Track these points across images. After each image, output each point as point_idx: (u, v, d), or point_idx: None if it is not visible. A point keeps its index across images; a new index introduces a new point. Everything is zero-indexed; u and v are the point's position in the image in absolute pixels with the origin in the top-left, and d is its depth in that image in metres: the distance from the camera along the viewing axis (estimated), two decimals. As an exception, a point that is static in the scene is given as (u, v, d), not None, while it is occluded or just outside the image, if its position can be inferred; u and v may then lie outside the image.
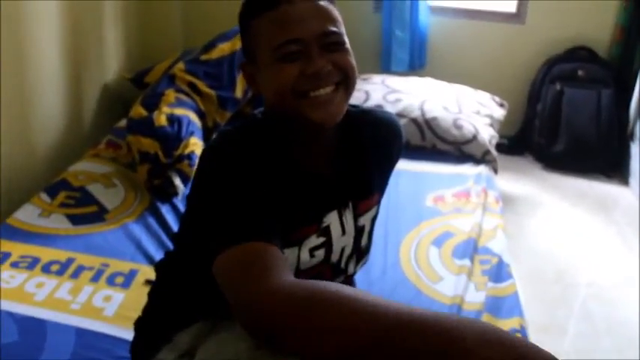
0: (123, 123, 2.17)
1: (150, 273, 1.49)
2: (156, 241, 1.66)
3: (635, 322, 1.86)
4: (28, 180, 1.98)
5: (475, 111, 2.43)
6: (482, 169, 2.20)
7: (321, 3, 0.84)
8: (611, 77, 2.77)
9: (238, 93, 2.13)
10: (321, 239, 0.93)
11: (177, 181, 1.84)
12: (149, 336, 1.03)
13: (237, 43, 2.16)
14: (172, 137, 1.84)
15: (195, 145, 1.89)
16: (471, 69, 2.93)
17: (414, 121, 2.32)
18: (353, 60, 0.86)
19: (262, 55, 0.84)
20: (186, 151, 1.85)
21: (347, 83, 0.85)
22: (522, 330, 1.39)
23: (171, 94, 1.99)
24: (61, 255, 1.56)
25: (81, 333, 1.29)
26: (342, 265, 0.99)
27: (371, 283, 1.53)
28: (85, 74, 2.35)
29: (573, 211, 2.52)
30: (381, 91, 2.47)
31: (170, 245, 1.63)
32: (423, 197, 1.99)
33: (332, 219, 0.94)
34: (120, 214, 1.77)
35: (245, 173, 0.80)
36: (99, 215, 1.75)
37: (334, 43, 0.83)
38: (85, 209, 1.78)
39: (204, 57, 2.15)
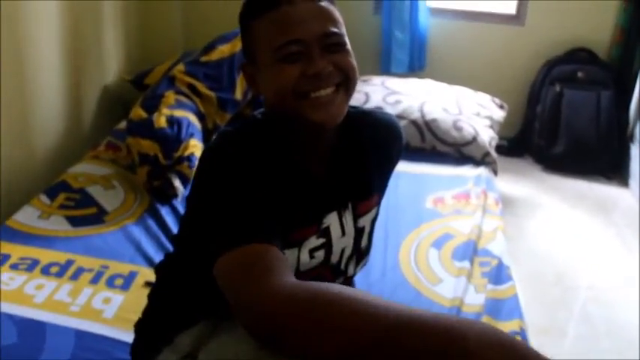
0: (123, 125, 2.17)
1: (149, 275, 1.50)
2: (155, 243, 1.66)
3: (635, 324, 1.86)
4: (28, 181, 1.98)
5: (475, 113, 2.43)
6: (482, 171, 2.20)
7: (322, 4, 0.84)
8: (611, 79, 2.77)
9: (238, 95, 2.13)
10: (321, 240, 0.93)
11: (177, 183, 1.84)
12: (149, 338, 1.03)
13: (236, 45, 2.16)
14: (172, 139, 1.83)
15: (195, 146, 1.89)
16: (471, 71, 2.93)
17: (414, 122, 2.32)
18: (354, 61, 0.86)
19: (263, 56, 0.84)
20: (186, 153, 1.85)
21: (348, 84, 0.85)
22: (522, 332, 1.39)
23: (171, 96, 1.99)
24: (61, 257, 1.55)
25: (80, 335, 1.29)
26: (342, 266, 0.99)
27: (370, 285, 1.53)
28: (85, 76, 2.35)
29: (573, 212, 2.52)
30: (381, 93, 2.47)
31: (170, 247, 1.63)
32: (423, 199, 1.99)
33: (332, 220, 0.94)
34: (119, 215, 1.77)
35: (245, 174, 0.80)
36: (98, 217, 1.75)
37: (335, 44, 0.83)
38: (84, 211, 1.78)
39: (203, 59, 2.15)
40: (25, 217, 1.71)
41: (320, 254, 0.94)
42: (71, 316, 1.35)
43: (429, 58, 2.94)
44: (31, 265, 1.51)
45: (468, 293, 1.52)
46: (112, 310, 1.38)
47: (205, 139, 2.01)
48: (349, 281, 1.05)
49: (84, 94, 2.35)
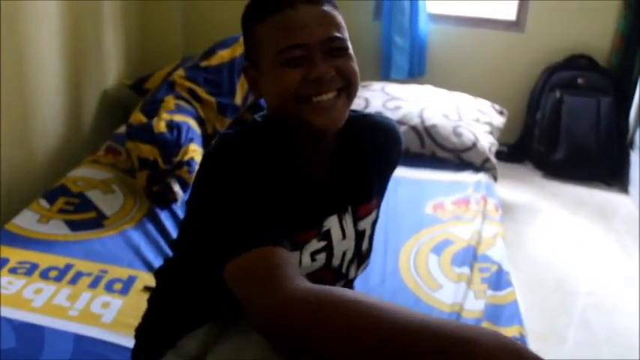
0: (122, 129, 2.17)
1: (148, 279, 1.49)
2: (155, 248, 1.66)
3: (635, 330, 1.85)
4: (27, 185, 1.97)
5: (475, 119, 2.43)
6: (482, 177, 2.20)
7: (325, 8, 0.84)
8: (611, 85, 2.77)
9: (238, 100, 2.13)
10: (322, 243, 0.93)
11: (177, 188, 1.83)
12: (151, 342, 1.02)
13: (236, 50, 2.17)
14: (172, 144, 1.83)
15: (195, 151, 1.89)
16: (471, 77, 2.93)
17: (414, 128, 2.32)
18: (356, 66, 0.86)
19: (265, 60, 0.84)
20: (186, 158, 1.85)
21: (349, 89, 0.85)
22: (522, 338, 1.39)
23: (170, 101, 1.99)
24: (60, 261, 1.55)
25: (79, 339, 1.28)
26: (344, 269, 0.99)
27: (370, 291, 1.52)
28: (85, 80, 2.35)
29: (573, 219, 2.52)
30: (381, 99, 2.47)
31: (169, 252, 1.62)
32: (423, 205, 1.99)
33: (332, 223, 0.94)
34: (119, 220, 1.77)
35: (248, 178, 0.80)
36: (98, 221, 1.75)
37: (338, 49, 0.83)
38: (83, 215, 1.78)
39: (203, 64, 2.15)
40: (24, 221, 1.71)
41: (321, 257, 0.94)
42: (70, 321, 1.34)
43: (428, 64, 2.95)
44: (30, 270, 1.51)
45: (468, 299, 1.52)
46: (111, 314, 1.38)
47: (205, 144, 2.01)
48: (350, 284, 1.05)
49: (84, 97, 2.35)
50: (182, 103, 2.01)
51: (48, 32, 2.07)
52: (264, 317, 0.69)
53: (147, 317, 1.08)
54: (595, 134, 2.76)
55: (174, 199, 1.84)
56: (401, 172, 2.04)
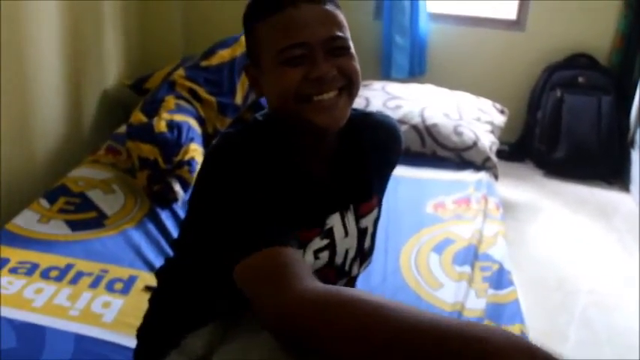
0: (123, 129, 2.16)
1: (149, 279, 1.49)
2: (155, 248, 1.66)
3: (636, 329, 1.85)
4: (28, 185, 1.97)
5: (476, 118, 2.42)
6: (483, 176, 2.20)
7: (327, 7, 0.83)
8: (612, 84, 2.76)
9: (238, 99, 2.13)
10: (325, 241, 0.93)
11: (177, 187, 1.83)
12: (153, 343, 1.02)
13: (236, 50, 2.16)
14: (172, 143, 1.83)
15: (195, 151, 1.89)
16: (471, 76, 2.92)
17: (415, 127, 2.32)
18: (357, 65, 0.85)
19: (266, 59, 0.84)
20: (186, 157, 1.85)
21: (351, 88, 0.85)
22: (523, 336, 1.38)
23: (171, 101, 1.98)
24: (60, 261, 1.55)
25: (80, 339, 1.28)
26: (346, 267, 0.99)
27: (371, 290, 1.52)
28: (85, 80, 2.34)
29: (574, 217, 2.51)
30: (382, 98, 2.47)
31: (170, 251, 1.61)
32: (424, 204, 1.98)
33: (334, 221, 0.94)
34: (119, 220, 1.76)
35: (252, 177, 0.80)
36: (98, 221, 1.75)
37: (339, 48, 0.83)
38: (84, 215, 1.77)
39: (204, 63, 2.15)
40: (25, 221, 1.71)
41: (324, 255, 0.94)
42: (70, 321, 1.34)
43: (429, 63, 2.94)
44: (31, 269, 1.51)
45: (469, 298, 1.52)
46: (112, 314, 1.38)
47: (205, 143, 2.00)
48: (352, 282, 1.05)
49: (84, 97, 2.35)
50: (182, 103, 2.01)
51: (48, 32, 2.06)
52: (274, 317, 0.69)
53: (148, 317, 1.07)
54: (596, 133, 2.75)
55: (175, 199, 1.84)
56: (401, 172, 2.06)
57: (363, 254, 1.01)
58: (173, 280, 1.04)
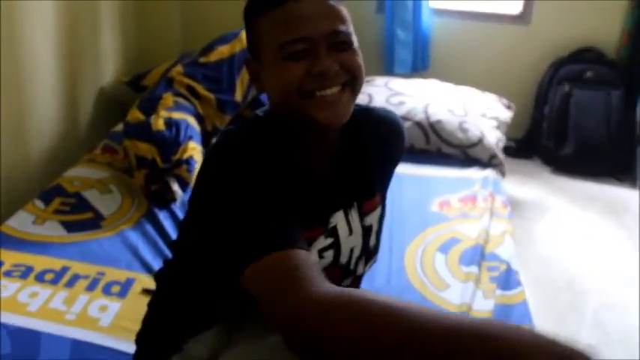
0: (119, 127, 2.15)
1: (147, 282, 1.47)
2: (153, 249, 1.64)
3: (649, 329, 1.81)
4: (22, 186, 1.95)
5: (481, 113, 2.40)
6: (489, 173, 2.18)
7: (330, 1, 0.82)
8: (620, 78, 2.73)
9: (238, 96, 2.11)
10: (329, 240, 0.92)
11: (176, 187, 1.81)
12: (153, 348, 1.01)
13: (235, 46, 2.15)
14: (170, 142, 1.81)
15: (194, 149, 1.87)
16: (476, 71, 2.90)
17: (419, 124, 2.30)
18: (361, 60, 0.84)
19: (268, 53, 0.82)
20: (185, 156, 1.83)
21: (354, 84, 0.84)
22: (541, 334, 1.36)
23: (169, 98, 1.97)
24: (56, 263, 1.53)
25: (76, 344, 1.26)
26: (352, 266, 0.98)
27: (375, 291, 1.48)
28: (81, 77, 2.33)
29: (583, 215, 2.49)
30: (384, 94, 2.45)
31: (168, 253, 1.60)
32: (428, 202, 1.97)
33: (338, 219, 0.93)
34: (116, 220, 1.75)
35: (257, 176, 0.79)
36: (95, 222, 1.73)
37: (342, 43, 0.82)
38: (80, 216, 1.75)
39: (202, 60, 2.14)
40: (19, 222, 1.69)
41: (329, 254, 0.93)
42: (67, 325, 1.32)
43: (432, 58, 2.91)
44: (25, 272, 1.48)
45: (476, 299, 1.50)
46: (109, 318, 1.36)
47: (205, 141, 1.99)
48: (358, 281, 1.04)
49: (80, 95, 2.33)
50: (181, 100, 1.99)
51: (44, 30, 2.04)
52: (287, 320, 0.68)
53: (148, 322, 1.06)
54: (605, 128, 2.73)
55: (173, 199, 1.82)
56: (406, 169, 2.05)
57: (369, 253, 1.00)
58: (173, 283, 1.02)
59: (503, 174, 2.27)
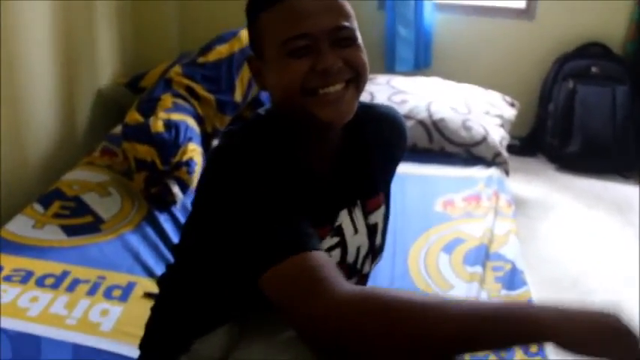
0: (118, 129, 2.14)
1: (148, 285, 1.47)
2: (154, 252, 1.63)
3: (657, 329, 1.79)
4: (21, 190, 1.94)
5: (485, 111, 2.38)
6: (493, 172, 2.16)
7: None
8: (627, 74, 2.70)
9: (237, 96, 2.10)
10: (335, 239, 0.92)
11: (176, 189, 1.80)
12: (158, 351, 1.00)
13: (234, 46, 2.13)
14: (170, 144, 1.80)
15: (194, 151, 1.86)
16: (479, 68, 2.87)
17: (421, 122, 2.28)
18: (365, 57, 0.83)
19: (270, 50, 0.81)
20: (185, 158, 1.81)
21: (358, 81, 0.83)
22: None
23: (168, 99, 1.96)
24: (56, 268, 1.52)
25: (77, 349, 1.26)
26: (358, 265, 0.98)
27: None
28: (79, 79, 2.31)
29: (588, 213, 2.46)
30: (387, 92, 2.43)
31: (169, 256, 1.59)
32: (432, 202, 1.95)
33: (343, 218, 0.93)
34: (116, 224, 1.74)
35: (265, 178, 0.78)
36: (94, 226, 1.72)
37: (346, 39, 0.81)
38: (80, 220, 1.75)
39: (201, 60, 2.12)
40: (19, 226, 1.68)
41: (336, 253, 0.93)
42: (67, 330, 1.32)
43: (435, 55, 2.89)
44: (25, 277, 1.48)
45: (481, 299, 1.48)
46: (110, 322, 1.35)
47: (204, 143, 1.98)
48: (364, 280, 1.04)
49: (78, 97, 2.32)
50: (180, 101, 1.98)
51: (40, 31, 2.03)
52: (313, 322, 0.69)
53: (152, 326, 1.05)
54: (610, 125, 2.70)
55: (174, 202, 1.81)
56: (409, 169, 2.04)
57: (375, 252, 1.00)
58: (177, 287, 1.01)
59: (507, 172, 2.25)
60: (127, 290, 1.46)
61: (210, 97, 2.03)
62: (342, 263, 0.94)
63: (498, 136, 2.28)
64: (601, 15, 2.75)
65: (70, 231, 1.68)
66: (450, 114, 2.30)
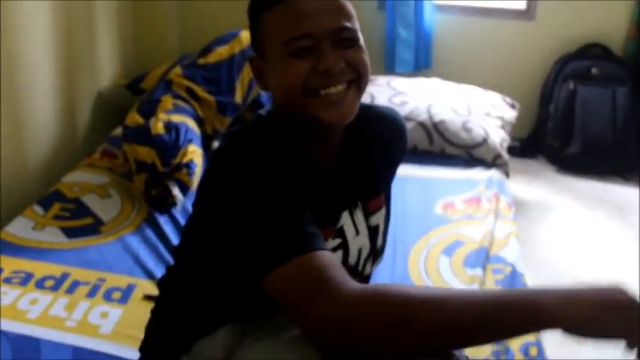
0: (118, 131, 2.14)
1: (148, 287, 1.46)
2: (154, 254, 1.63)
3: (658, 332, 1.78)
4: (21, 192, 1.94)
5: (485, 113, 2.38)
6: (494, 174, 2.15)
7: None
8: (627, 75, 2.69)
9: (238, 98, 2.10)
10: (337, 241, 0.92)
11: (176, 191, 1.79)
12: (159, 354, 1.00)
13: (235, 47, 2.13)
14: (170, 145, 1.79)
15: (194, 153, 1.85)
16: (480, 69, 2.86)
17: (422, 124, 2.27)
18: (367, 58, 0.83)
19: (272, 50, 0.82)
20: (185, 160, 1.81)
21: (359, 82, 0.83)
22: (538, 343, 1.35)
23: (168, 101, 1.95)
24: (56, 270, 1.52)
25: (77, 351, 1.26)
26: (360, 267, 0.98)
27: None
28: (79, 81, 2.31)
29: (589, 215, 2.45)
30: (387, 94, 2.43)
31: (169, 258, 1.59)
32: (432, 204, 1.94)
33: (345, 219, 0.93)
34: (116, 226, 1.73)
35: (268, 179, 0.78)
36: (94, 227, 1.72)
37: (348, 40, 0.81)
38: (80, 221, 1.74)
39: (201, 61, 2.12)
40: (19, 228, 1.68)
41: (338, 255, 0.93)
42: (67, 332, 1.31)
43: (435, 56, 2.88)
44: (25, 279, 1.48)
45: None
46: (110, 324, 1.35)
47: (205, 144, 1.97)
48: (365, 281, 1.04)
49: (78, 99, 2.32)
50: (180, 103, 1.98)
51: (40, 32, 2.03)
52: (322, 321, 0.69)
53: (152, 329, 1.05)
54: (611, 126, 2.69)
55: (174, 204, 1.80)
56: (409, 171, 2.04)
57: (375, 253, 1.00)
58: (177, 289, 1.01)
59: (507, 174, 2.24)
60: (127, 292, 1.45)
61: (211, 98, 2.03)
62: (344, 265, 0.93)
63: (499, 138, 2.28)
64: (601, 16, 2.74)
65: (70, 233, 1.68)
66: (451, 115, 2.30)
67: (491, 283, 1.55)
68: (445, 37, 2.86)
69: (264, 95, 2.19)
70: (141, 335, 1.06)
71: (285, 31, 0.79)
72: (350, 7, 0.83)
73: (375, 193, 0.98)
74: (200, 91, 2.03)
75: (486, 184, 2.06)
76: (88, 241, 1.65)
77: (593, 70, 2.72)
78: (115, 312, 1.38)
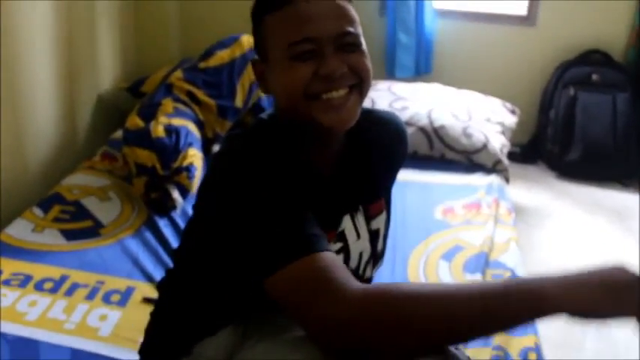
0: (119, 134, 2.14)
1: (147, 290, 1.46)
2: (154, 257, 1.62)
3: (658, 339, 1.78)
4: (21, 194, 1.94)
5: (485, 118, 2.38)
6: (494, 179, 2.16)
7: (339, 1, 0.81)
8: (628, 81, 2.70)
9: (238, 102, 2.10)
10: (339, 245, 0.92)
11: (176, 195, 1.80)
12: (159, 356, 1.00)
13: (235, 51, 2.13)
14: (170, 149, 1.80)
15: (194, 156, 1.85)
16: (480, 75, 2.87)
17: (422, 129, 2.28)
18: (369, 63, 0.83)
19: (274, 53, 0.82)
20: (185, 163, 1.81)
21: (361, 87, 0.83)
22: (537, 348, 1.34)
23: (168, 104, 1.95)
24: (55, 272, 1.52)
25: (76, 354, 1.25)
26: (361, 271, 0.97)
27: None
28: (79, 84, 2.31)
29: (589, 221, 2.45)
30: (388, 98, 2.43)
31: (169, 261, 1.59)
32: (432, 209, 1.94)
33: (346, 223, 0.93)
34: (116, 228, 1.73)
35: (270, 182, 0.78)
36: (94, 230, 1.72)
37: (350, 44, 0.81)
38: (79, 224, 1.74)
39: (202, 65, 2.12)
40: (18, 230, 1.68)
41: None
42: (66, 334, 1.31)
43: (436, 61, 2.89)
44: (24, 281, 1.48)
45: None
46: (109, 327, 1.35)
47: (205, 148, 1.98)
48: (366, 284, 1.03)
49: (78, 102, 2.32)
50: (180, 106, 1.98)
51: (40, 35, 2.03)
52: (326, 322, 0.69)
53: (151, 332, 1.04)
54: (611, 132, 2.69)
55: (174, 207, 1.80)
56: (409, 176, 2.04)
57: (376, 257, 1.01)
58: (177, 292, 1.01)
59: (507, 180, 2.24)
60: (126, 295, 1.45)
61: (211, 102, 2.03)
62: None
63: (499, 144, 2.28)
64: (602, 22, 2.75)
65: (70, 235, 1.68)
66: (451, 121, 2.30)
67: (491, 289, 1.56)
68: (446, 43, 2.87)
69: (265, 99, 2.19)
70: (140, 338, 1.06)
71: (287, 35, 0.79)
72: (353, 11, 0.83)
73: (375, 197, 0.98)
74: (201, 94, 2.03)
75: (486, 190, 2.07)
76: (87, 243, 1.65)
77: (594, 77, 2.72)
78: (114, 315, 1.38)
